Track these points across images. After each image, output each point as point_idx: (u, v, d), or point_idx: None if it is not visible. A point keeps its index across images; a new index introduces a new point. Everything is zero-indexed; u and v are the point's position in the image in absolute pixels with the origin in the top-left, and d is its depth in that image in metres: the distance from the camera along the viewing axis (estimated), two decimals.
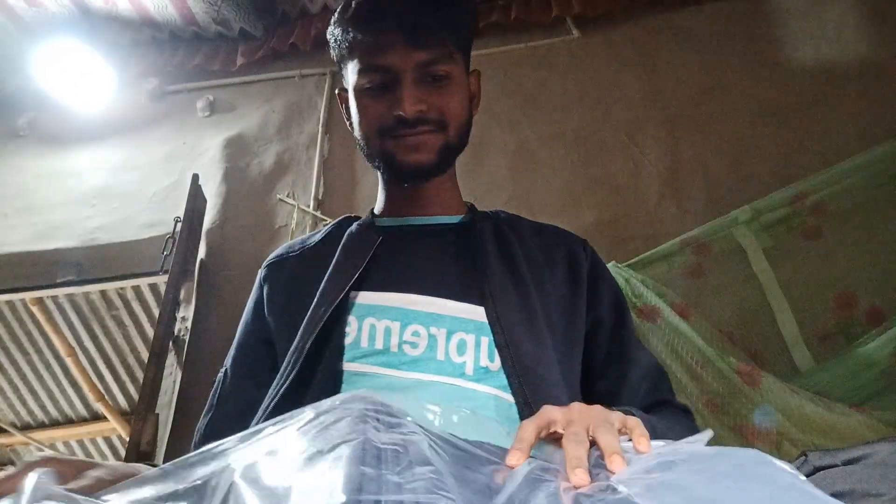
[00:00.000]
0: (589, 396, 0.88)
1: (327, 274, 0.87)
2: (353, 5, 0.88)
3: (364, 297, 0.84)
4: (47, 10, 2.50)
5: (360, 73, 0.87)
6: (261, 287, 0.95)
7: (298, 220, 2.24)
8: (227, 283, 2.17)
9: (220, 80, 2.66)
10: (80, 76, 2.47)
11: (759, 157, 2.10)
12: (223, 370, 0.93)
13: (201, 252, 2.23)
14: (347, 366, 0.79)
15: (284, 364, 0.82)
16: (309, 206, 2.27)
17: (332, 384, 0.77)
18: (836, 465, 0.47)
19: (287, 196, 2.33)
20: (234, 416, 0.85)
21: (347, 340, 0.80)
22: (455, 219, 0.96)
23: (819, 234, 1.83)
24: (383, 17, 0.84)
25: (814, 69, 2.21)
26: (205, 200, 2.28)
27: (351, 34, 0.87)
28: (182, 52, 2.69)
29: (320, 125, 2.47)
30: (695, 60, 2.33)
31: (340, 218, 1.02)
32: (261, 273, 0.97)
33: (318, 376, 0.78)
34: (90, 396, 3.29)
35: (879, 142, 1.90)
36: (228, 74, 2.65)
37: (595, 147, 2.25)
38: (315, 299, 0.85)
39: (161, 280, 2.19)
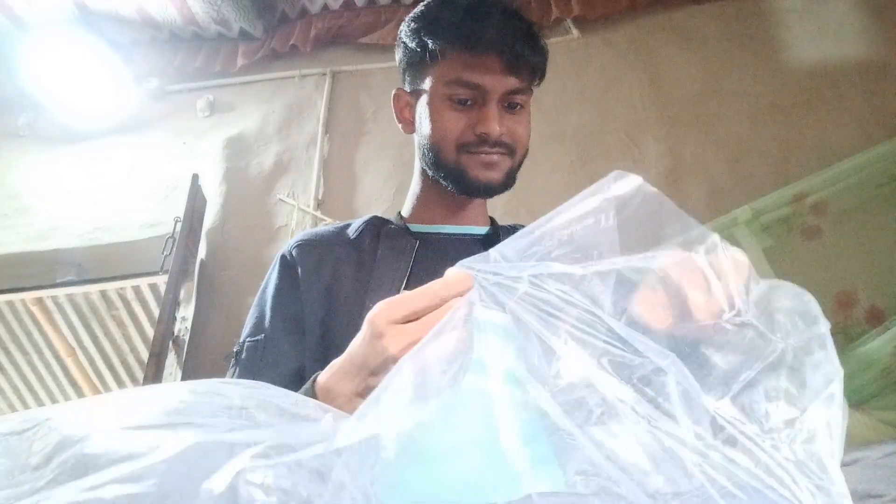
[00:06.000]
0: None
1: (373, 272, 0.89)
2: (455, 15, 0.89)
3: None
4: (47, 10, 2.50)
5: (449, 83, 0.89)
6: (293, 266, 0.93)
7: (298, 220, 2.24)
8: (227, 283, 2.17)
9: (220, 80, 2.66)
10: (79, 76, 2.47)
11: (759, 157, 2.10)
12: (259, 337, 0.88)
13: (201, 252, 2.23)
14: None
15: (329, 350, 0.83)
16: (309, 206, 2.27)
17: None
18: None
19: (287, 196, 2.33)
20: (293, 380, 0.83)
21: None
22: (482, 230, 1.00)
23: (819, 234, 1.83)
24: (486, 39, 0.86)
25: (814, 69, 2.21)
26: (205, 200, 2.28)
27: (448, 43, 0.88)
28: (183, 53, 2.69)
29: (320, 125, 2.47)
30: (695, 60, 2.33)
31: (369, 217, 1.02)
32: (290, 254, 0.95)
33: None
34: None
35: (879, 142, 1.90)
36: (228, 75, 2.65)
37: (595, 147, 2.25)
38: (360, 295, 0.86)
39: (161, 280, 2.19)
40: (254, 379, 0.83)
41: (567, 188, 2.19)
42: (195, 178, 2.21)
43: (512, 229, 1.03)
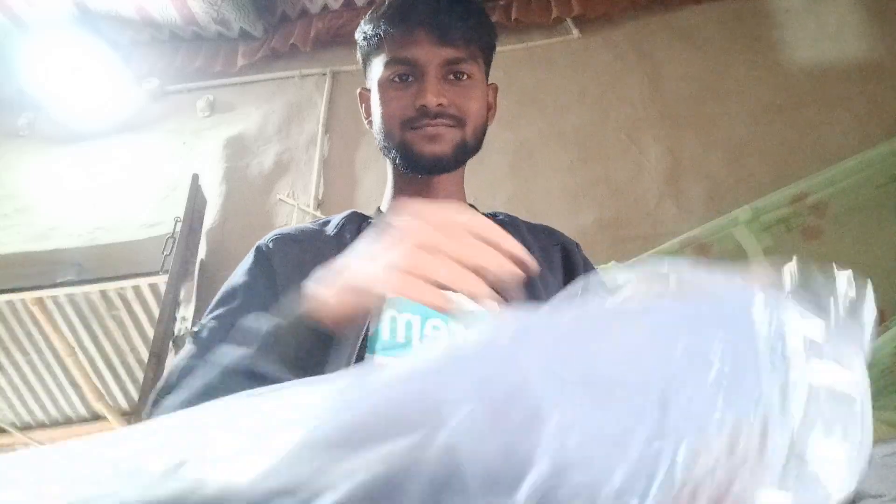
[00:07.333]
0: None
1: None
2: (385, 4, 0.93)
3: None
4: (47, 10, 2.50)
5: (387, 64, 0.91)
6: (269, 257, 0.92)
7: (298, 220, 2.24)
8: None
9: (220, 80, 2.66)
10: (79, 76, 2.47)
11: (759, 157, 2.10)
12: (222, 311, 0.84)
13: (201, 252, 2.23)
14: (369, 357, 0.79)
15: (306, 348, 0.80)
16: (309, 206, 2.27)
17: None
18: None
19: (287, 196, 2.33)
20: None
21: (368, 333, 0.80)
22: None
23: (819, 234, 1.83)
24: (414, 15, 0.90)
25: (814, 69, 2.21)
26: (205, 200, 2.28)
27: (382, 28, 0.92)
28: (183, 54, 2.69)
29: (320, 125, 2.47)
30: (695, 60, 2.33)
31: (348, 212, 1.02)
32: (267, 246, 0.94)
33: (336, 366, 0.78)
34: (90, 396, 3.29)
35: (879, 142, 1.90)
36: (228, 74, 2.65)
37: (595, 147, 2.25)
38: None
39: (161, 280, 2.19)
40: (211, 355, 0.71)
41: (567, 188, 2.19)
42: (195, 178, 2.21)
43: (493, 217, 1.01)
